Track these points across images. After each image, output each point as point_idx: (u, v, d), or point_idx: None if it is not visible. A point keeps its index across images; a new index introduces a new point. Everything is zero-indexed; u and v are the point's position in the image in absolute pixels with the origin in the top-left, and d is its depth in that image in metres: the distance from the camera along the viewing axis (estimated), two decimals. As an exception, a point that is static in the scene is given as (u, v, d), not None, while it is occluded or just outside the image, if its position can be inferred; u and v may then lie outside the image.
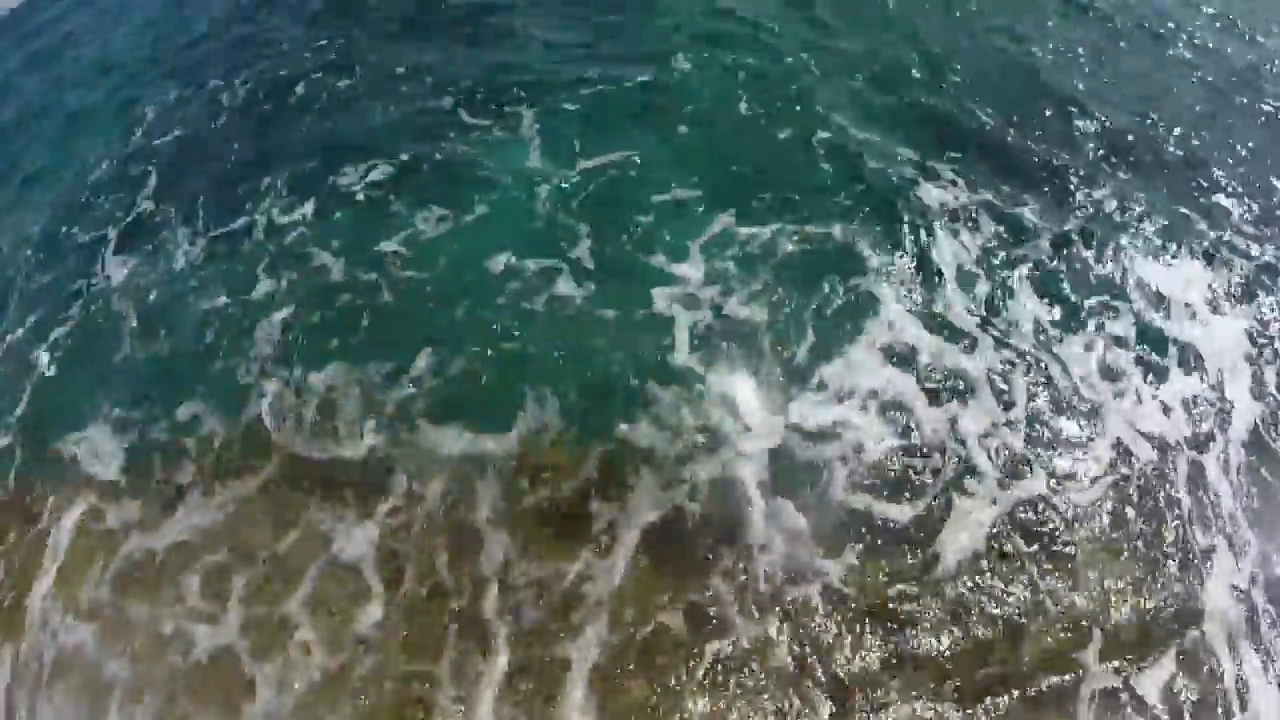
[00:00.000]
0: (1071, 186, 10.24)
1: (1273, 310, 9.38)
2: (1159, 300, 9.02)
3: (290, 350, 8.51)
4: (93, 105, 15.58)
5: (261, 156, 11.34)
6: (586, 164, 10.00)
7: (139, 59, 17.71)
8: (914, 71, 12.11)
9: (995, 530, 7.15)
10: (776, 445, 7.44)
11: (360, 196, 10.06)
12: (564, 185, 9.71)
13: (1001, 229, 9.42)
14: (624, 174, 9.88)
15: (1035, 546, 7.13)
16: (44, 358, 9.51)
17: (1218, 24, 16.71)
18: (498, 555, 6.82)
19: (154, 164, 12.18)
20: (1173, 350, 8.58)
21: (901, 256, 8.94)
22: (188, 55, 16.30)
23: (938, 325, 8.30)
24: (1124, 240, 9.62)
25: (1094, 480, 7.52)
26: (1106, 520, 7.30)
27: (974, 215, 9.58)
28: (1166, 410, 8.03)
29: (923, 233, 9.25)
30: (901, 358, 8.05)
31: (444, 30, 13.85)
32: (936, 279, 8.77)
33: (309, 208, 10.02)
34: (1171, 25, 16.09)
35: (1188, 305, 9.07)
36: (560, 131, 10.64)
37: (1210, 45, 15.66)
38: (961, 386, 7.89)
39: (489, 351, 8.10)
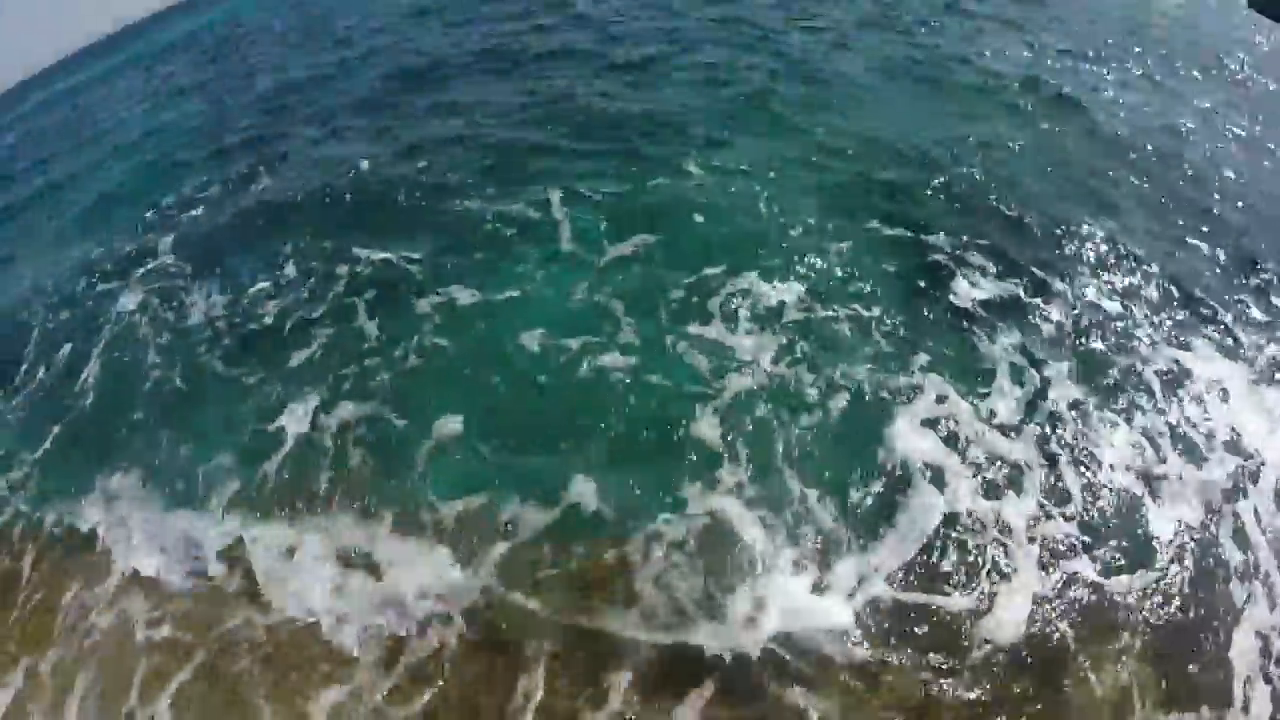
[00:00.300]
0: (1089, 276, 10.42)
1: None
2: (1190, 383, 9.09)
3: (317, 414, 8.65)
4: (119, 174, 16.01)
5: (286, 228, 11.62)
6: (613, 248, 10.16)
7: (163, 130, 18.29)
8: (925, 170, 12.51)
9: (1039, 620, 7.00)
10: (815, 529, 7.34)
11: (391, 272, 10.27)
12: (594, 265, 9.86)
13: (1030, 318, 9.59)
14: (650, 257, 10.04)
15: (1078, 637, 6.96)
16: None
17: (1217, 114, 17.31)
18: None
19: (181, 231, 12.53)
20: (1208, 434, 8.60)
21: (936, 341, 9.06)
22: (217, 130, 16.80)
23: (976, 412, 8.34)
24: (1146, 326, 9.74)
25: (1138, 568, 7.43)
26: (1151, 614, 7.17)
27: (1004, 304, 9.76)
28: (1207, 498, 7.99)
29: (954, 319, 9.43)
30: (942, 442, 8.04)
31: (469, 110, 14.30)
32: (972, 364, 8.90)
33: (340, 278, 10.22)
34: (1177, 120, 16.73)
35: (1220, 387, 9.15)
36: (586, 216, 10.87)
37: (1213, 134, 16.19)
38: (1004, 475, 7.87)
39: (524, 422, 8.23)
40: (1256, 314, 10.50)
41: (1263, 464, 8.36)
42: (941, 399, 8.38)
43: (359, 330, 9.50)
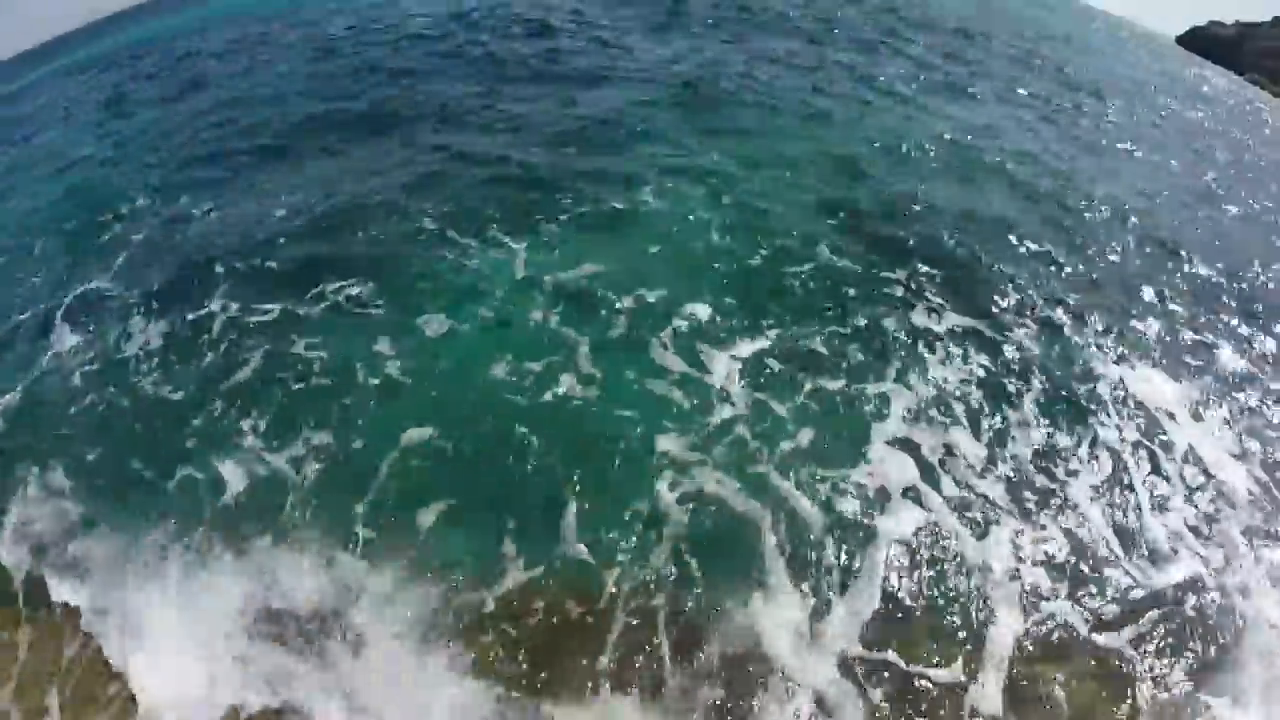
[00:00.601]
0: (1040, 309, 10.69)
1: (1249, 415, 9.88)
2: (1143, 408, 9.31)
3: (267, 437, 8.39)
4: (60, 194, 15.53)
5: (235, 256, 11.28)
6: (571, 279, 10.10)
7: (102, 148, 17.77)
8: (873, 204, 12.87)
9: (1023, 663, 6.93)
10: (786, 573, 7.21)
11: (344, 300, 10.06)
12: (552, 296, 9.78)
13: (986, 354, 9.74)
14: (609, 286, 10.00)
15: (1062, 678, 6.91)
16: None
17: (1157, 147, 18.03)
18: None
19: (125, 254, 12.09)
20: (1170, 461, 8.76)
21: (902, 374, 9.15)
22: (160, 150, 16.40)
23: (946, 449, 8.35)
24: (1096, 354, 10.01)
25: (1120, 608, 7.42)
26: (1136, 648, 7.16)
27: (964, 335, 9.96)
28: (1170, 527, 8.08)
29: (918, 351, 9.55)
30: (917, 476, 8.05)
31: (425, 150, 14.22)
32: (940, 396, 8.95)
33: (293, 307, 9.97)
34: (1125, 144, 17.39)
35: (1172, 414, 9.41)
36: (544, 247, 10.79)
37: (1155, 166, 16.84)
38: (978, 514, 7.84)
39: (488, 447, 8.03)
40: (1188, 335, 11.15)
41: (1222, 490, 8.51)
42: (910, 432, 8.41)
43: (307, 362, 9.19)
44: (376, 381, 8.79)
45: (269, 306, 10.04)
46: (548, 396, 8.44)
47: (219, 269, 10.98)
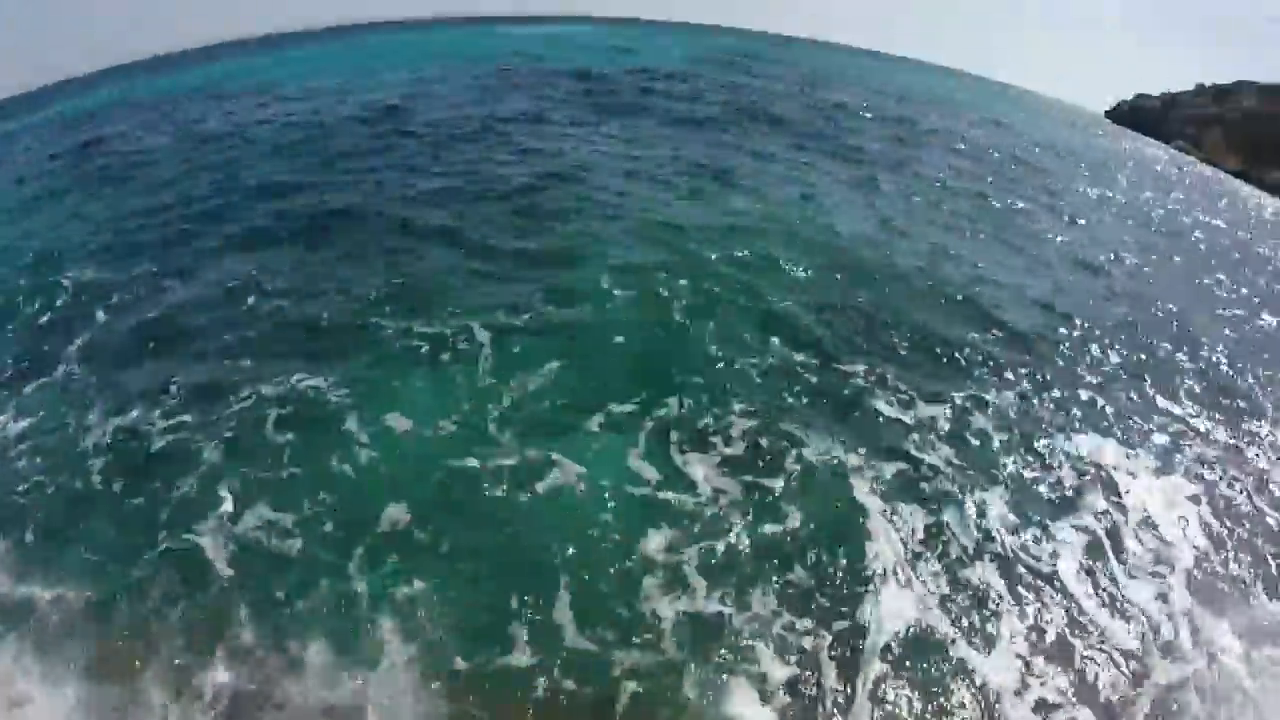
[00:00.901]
0: (993, 390, 10.86)
1: (1204, 478, 10.04)
2: (1106, 483, 9.45)
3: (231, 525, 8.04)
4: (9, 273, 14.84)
5: (189, 344, 10.91)
6: (536, 373, 9.96)
7: (52, 225, 17.21)
8: (821, 298, 12.87)
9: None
10: (776, 671, 7.01)
11: (309, 391, 9.77)
12: (519, 392, 9.64)
13: (953, 434, 9.80)
14: (573, 378, 9.92)
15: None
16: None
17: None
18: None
19: (80, 339, 11.60)
20: (1139, 539, 8.79)
21: (871, 464, 9.02)
22: (110, 235, 15.94)
23: (928, 539, 8.25)
24: (1053, 431, 10.18)
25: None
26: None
27: (926, 423, 9.94)
28: (1148, 612, 8.01)
29: (884, 440, 9.47)
30: (899, 566, 7.87)
31: (366, 242, 14.08)
32: (910, 485, 8.88)
33: (257, 397, 9.66)
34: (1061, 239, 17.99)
35: (1133, 483, 9.60)
36: (508, 340, 10.60)
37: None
38: (964, 606, 7.68)
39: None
40: (1138, 403, 11.42)
41: (1197, 563, 8.57)
42: (890, 520, 8.30)
43: (272, 450, 8.91)
44: (349, 473, 8.53)
45: (232, 396, 9.73)
46: (523, 497, 8.26)
47: (177, 355, 10.65)
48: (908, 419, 9.85)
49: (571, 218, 15.09)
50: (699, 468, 8.65)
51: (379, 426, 9.10)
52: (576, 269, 12.82)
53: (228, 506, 8.19)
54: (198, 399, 9.77)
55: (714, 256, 13.62)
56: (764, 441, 9.13)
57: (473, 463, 8.57)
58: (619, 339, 10.82)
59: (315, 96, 30.82)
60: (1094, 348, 13.02)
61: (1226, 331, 15.89)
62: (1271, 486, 10.23)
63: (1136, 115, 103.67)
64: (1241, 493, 9.91)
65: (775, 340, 11.20)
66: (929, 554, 8.09)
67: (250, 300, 11.98)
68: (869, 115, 33.52)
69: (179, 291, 12.64)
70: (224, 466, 8.71)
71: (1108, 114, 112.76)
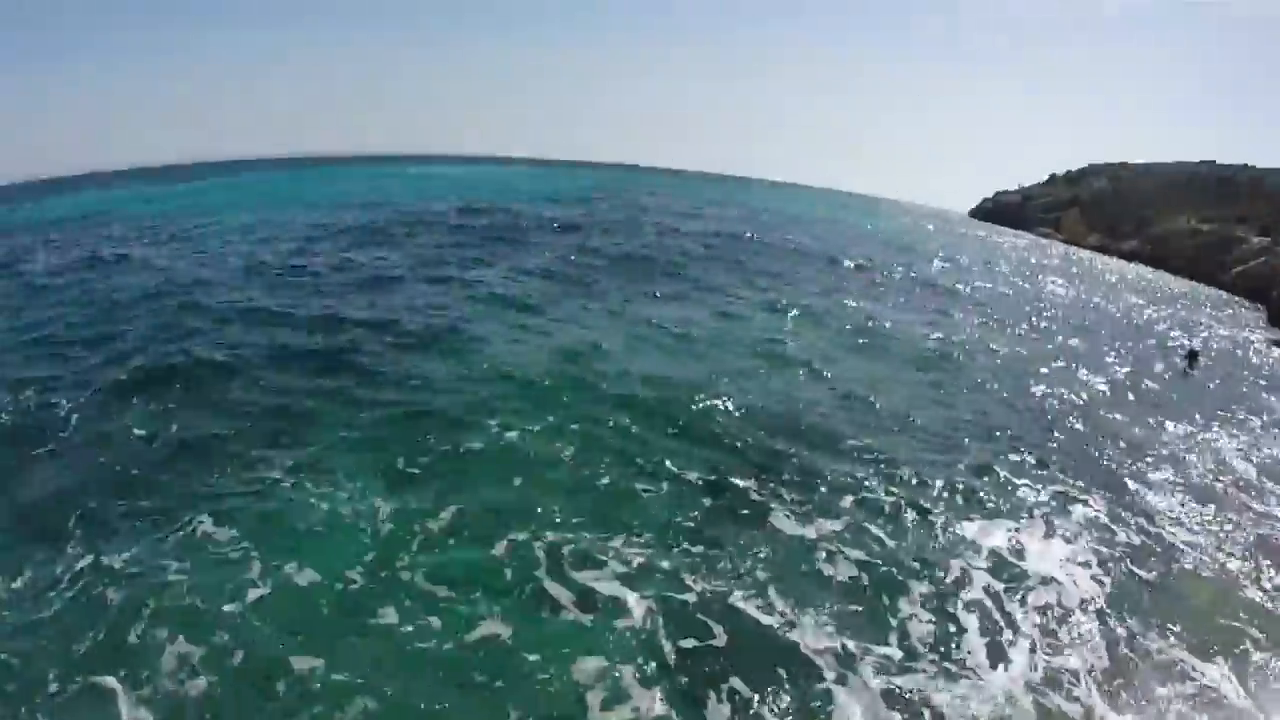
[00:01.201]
0: (888, 497, 10.96)
1: (1086, 542, 10.37)
2: (1009, 570, 9.59)
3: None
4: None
5: (89, 490, 10.36)
6: (436, 517, 9.69)
7: None
8: (709, 418, 13.03)
9: None
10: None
11: (206, 541, 9.24)
12: (420, 535, 9.41)
13: (851, 538, 9.89)
14: (479, 521, 9.48)
15: None
16: None
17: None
18: None
19: None
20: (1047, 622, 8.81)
21: (775, 578, 8.98)
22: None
23: (838, 650, 8.00)
24: (944, 522, 10.40)
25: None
26: None
27: (828, 533, 9.99)
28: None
29: (785, 553, 9.51)
30: (817, 686, 7.37)
31: (276, 387, 13.62)
32: (817, 593, 8.86)
33: (153, 548, 9.08)
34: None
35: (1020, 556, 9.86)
36: (407, 487, 10.17)
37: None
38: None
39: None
40: (1017, 480, 11.81)
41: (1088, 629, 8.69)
42: (806, 634, 8.11)
43: (171, 611, 8.34)
44: (256, 624, 8.07)
45: (129, 547, 9.16)
46: (448, 645, 7.91)
47: (73, 505, 10.08)
48: (809, 533, 9.93)
49: (458, 360, 14.97)
50: (604, 593, 8.48)
51: (282, 580, 8.67)
52: (468, 412, 12.64)
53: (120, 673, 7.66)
54: (95, 541, 9.27)
55: (605, 393, 13.73)
56: (664, 564, 9.06)
57: (374, 605, 8.37)
58: (517, 480, 10.72)
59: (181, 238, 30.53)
60: (971, 433, 13.57)
61: (1091, 395, 16.72)
62: (1149, 542, 10.66)
63: (999, 210, 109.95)
64: (1122, 555, 10.26)
65: (669, 463, 11.30)
66: (843, 668, 7.82)
67: (140, 447, 11.38)
68: (753, 239, 34.85)
69: (67, 438, 11.96)
70: (123, 620, 8.17)
71: (971, 213, 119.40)
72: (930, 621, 8.53)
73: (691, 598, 8.50)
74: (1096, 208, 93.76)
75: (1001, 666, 7.97)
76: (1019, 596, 9.08)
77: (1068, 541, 10.28)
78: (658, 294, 22.02)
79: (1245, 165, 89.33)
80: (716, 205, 55.94)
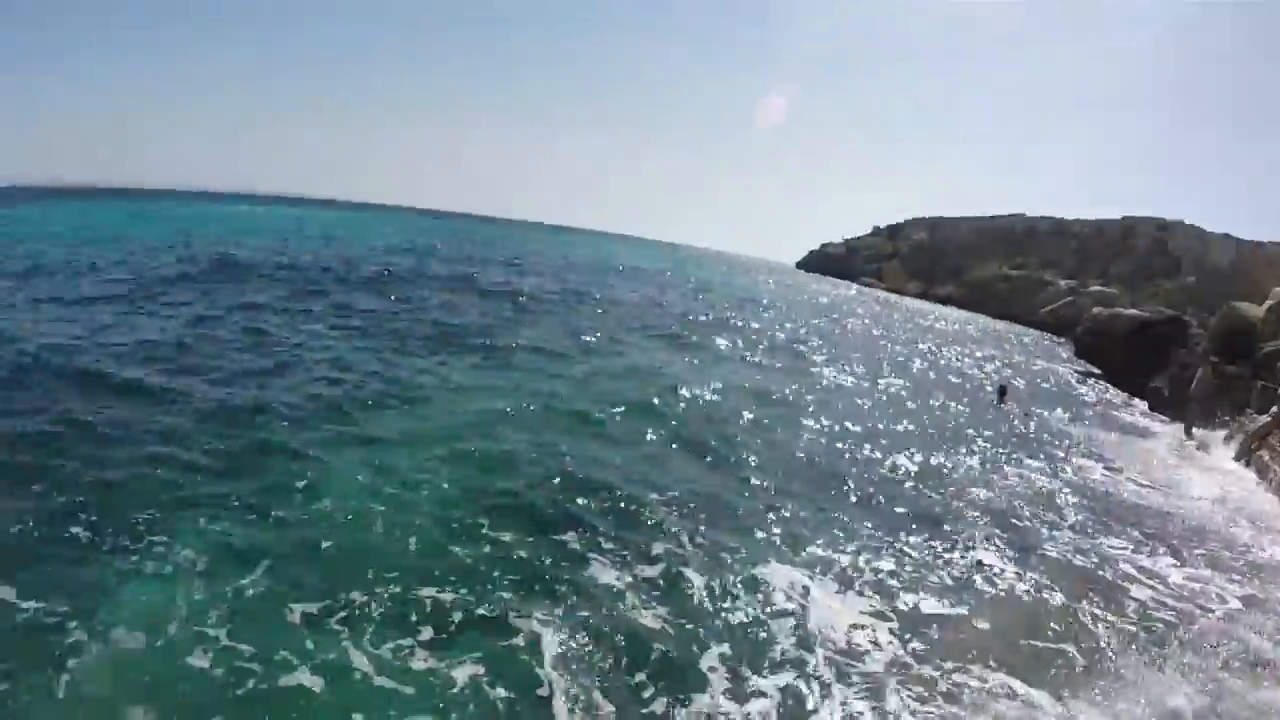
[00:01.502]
0: (696, 541, 10.28)
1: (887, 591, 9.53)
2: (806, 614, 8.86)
3: None
4: None
5: None
6: (240, 581, 8.31)
7: None
8: (520, 477, 11.99)
9: None
10: None
11: None
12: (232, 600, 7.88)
13: (670, 591, 9.11)
14: (289, 587, 8.50)
15: None
16: None
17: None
18: None
19: None
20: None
21: (579, 633, 8.09)
22: None
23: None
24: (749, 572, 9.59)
25: None
26: None
27: (644, 583, 9.29)
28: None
29: (599, 606, 8.61)
30: None
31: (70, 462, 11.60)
32: (632, 652, 7.81)
33: None
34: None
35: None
36: (212, 548, 8.86)
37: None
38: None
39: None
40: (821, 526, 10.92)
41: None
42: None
43: None
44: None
45: None
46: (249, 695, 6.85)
47: None
48: (623, 582, 9.20)
49: (267, 420, 13.33)
50: (410, 657, 7.52)
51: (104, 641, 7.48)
52: (276, 474, 11.24)
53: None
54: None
55: (412, 459, 12.52)
56: (478, 618, 8.17)
57: (201, 664, 7.20)
58: (326, 543, 9.39)
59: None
60: (776, 477, 12.83)
61: (900, 435, 16.17)
62: (952, 571, 10.18)
63: (824, 261, 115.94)
64: (924, 586, 9.71)
65: (484, 522, 10.35)
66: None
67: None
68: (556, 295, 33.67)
69: None
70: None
71: (798, 265, 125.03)
72: (727, 680, 7.76)
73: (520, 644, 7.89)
74: (916, 257, 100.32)
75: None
76: (818, 642, 8.43)
77: (867, 582, 9.75)
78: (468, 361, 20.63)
79: (1049, 216, 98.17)
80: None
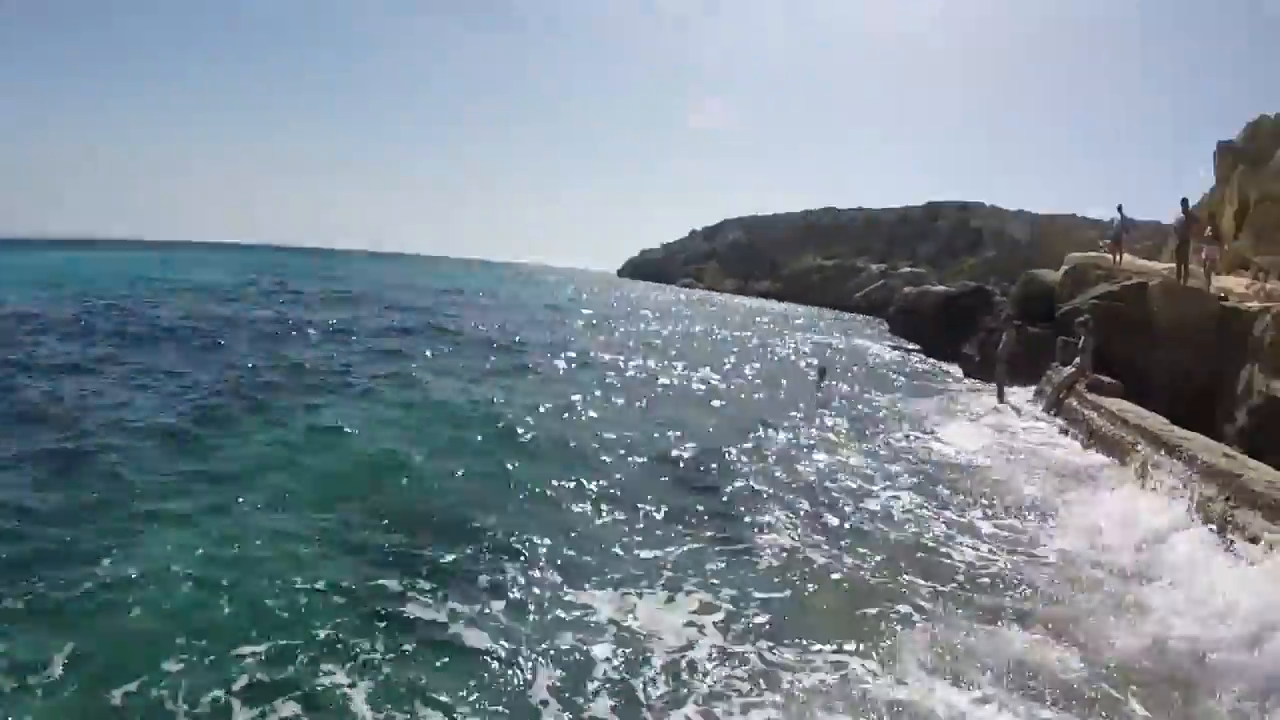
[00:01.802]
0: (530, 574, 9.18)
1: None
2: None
3: None
4: None
5: None
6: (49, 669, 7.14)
7: None
8: (349, 519, 10.60)
9: None
10: None
11: None
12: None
13: (499, 626, 8.23)
14: (107, 666, 7.19)
15: None
16: None
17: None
18: None
19: None
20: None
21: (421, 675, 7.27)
22: None
23: None
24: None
25: None
26: None
27: (477, 617, 8.46)
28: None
29: (423, 642, 7.86)
30: None
31: None
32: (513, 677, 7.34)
33: None
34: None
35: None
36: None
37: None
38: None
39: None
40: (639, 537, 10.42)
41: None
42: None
43: None
44: None
45: None
46: None
47: None
48: (440, 615, 8.48)
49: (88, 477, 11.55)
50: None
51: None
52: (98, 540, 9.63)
53: None
54: None
55: (245, 501, 11.17)
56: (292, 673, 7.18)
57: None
58: (135, 612, 8.07)
59: None
60: (592, 492, 11.83)
61: (641, 432, 15.23)
62: (772, 562, 9.61)
63: (644, 267, 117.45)
64: (746, 582, 9.07)
65: (304, 564, 9.22)
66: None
67: None
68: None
69: None
70: None
71: (619, 272, 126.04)
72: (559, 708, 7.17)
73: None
74: (733, 256, 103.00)
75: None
76: (643, 660, 7.79)
77: (688, 592, 9.12)
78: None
79: (860, 208, 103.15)
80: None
